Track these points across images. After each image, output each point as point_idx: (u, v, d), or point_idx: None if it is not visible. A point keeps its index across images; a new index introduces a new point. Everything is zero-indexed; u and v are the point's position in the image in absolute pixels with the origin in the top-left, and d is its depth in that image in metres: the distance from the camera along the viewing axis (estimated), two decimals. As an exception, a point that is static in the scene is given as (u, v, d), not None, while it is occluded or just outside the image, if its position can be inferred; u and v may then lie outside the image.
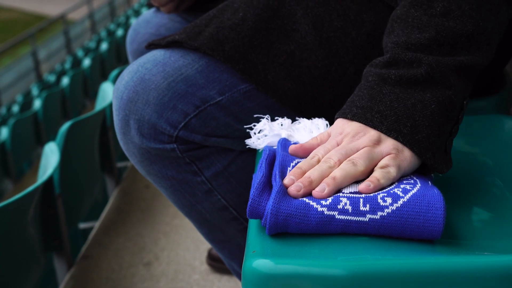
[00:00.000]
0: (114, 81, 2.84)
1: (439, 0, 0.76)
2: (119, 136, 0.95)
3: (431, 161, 0.70)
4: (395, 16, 0.80)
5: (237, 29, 0.90)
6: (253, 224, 0.69)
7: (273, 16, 0.92)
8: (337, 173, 0.68)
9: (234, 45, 0.89)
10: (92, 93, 7.13)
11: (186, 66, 0.91)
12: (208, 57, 0.91)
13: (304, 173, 0.70)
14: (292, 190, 0.67)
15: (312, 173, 0.69)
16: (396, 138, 0.71)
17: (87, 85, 7.13)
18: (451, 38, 0.75)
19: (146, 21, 1.38)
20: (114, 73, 3.02)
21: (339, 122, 0.76)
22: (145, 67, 0.91)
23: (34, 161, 5.65)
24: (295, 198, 0.66)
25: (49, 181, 1.73)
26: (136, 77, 0.90)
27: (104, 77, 7.44)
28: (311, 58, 0.91)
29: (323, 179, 0.68)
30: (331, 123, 0.79)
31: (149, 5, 1.33)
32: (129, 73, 0.92)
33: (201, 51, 0.90)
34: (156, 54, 0.93)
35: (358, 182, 0.70)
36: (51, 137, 5.64)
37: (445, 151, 0.72)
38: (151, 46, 0.96)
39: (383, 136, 0.72)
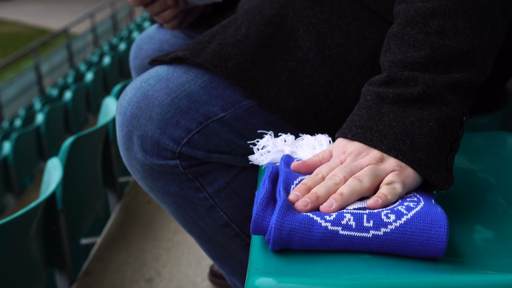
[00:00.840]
0: (116, 96, 2.85)
1: (434, 19, 0.77)
2: (122, 152, 0.95)
3: (431, 178, 0.70)
4: (391, 33, 0.81)
5: (239, 45, 0.91)
6: (255, 241, 0.69)
7: (275, 33, 0.92)
8: (344, 189, 0.68)
9: (236, 62, 0.90)
10: (94, 107, 7.14)
11: (189, 82, 0.91)
12: (211, 73, 0.92)
13: (309, 189, 0.70)
14: (299, 205, 0.67)
15: (319, 189, 0.69)
16: (396, 157, 0.71)
17: (90, 99, 7.15)
18: (446, 56, 0.75)
19: (149, 37, 1.38)
20: (116, 88, 3.03)
21: (340, 142, 0.77)
22: (148, 83, 0.91)
23: (36, 176, 5.64)
24: (301, 213, 0.66)
25: (52, 197, 1.73)
26: (139, 93, 0.91)
27: (106, 91, 7.46)
28: (313, 74, 0.91)
29: (329, 195, 0.68)
30: (333, 139, 0.80)
31: (152, 21, 1.34)
32: (132, 89, 0.92)
33: (204, 67, 0.91)
34: (159, 70, 0.93)
35: (362, 199, 0.70)
36: (53, 152, 5.64)
37: (446, 167, 0.72)
38: (154, 62, 0.96)
39: (385, 154, 0.72)
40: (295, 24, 0.93)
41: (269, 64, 0.91)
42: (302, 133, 0.88)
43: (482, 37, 0.77)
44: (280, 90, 0.90)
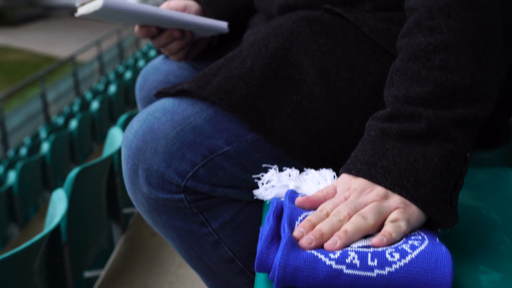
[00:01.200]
0: (122, 126, 2.85)
1: (436, 54, 0.78)
2: (127, 186, 0.95)
3: (436, 215, 0.70)
4: (395, 68, 0.81)
5: (245, 78, 0.91)
6: (260, 279, 0.68)
7: (280, 66, 0.93)
8: (348, 226, 0.68)
9: (242, 95, 0.90)
10: (100, 136, 7.15)
11: (194, 115, 0.91)
12: (216, 106, 0.92)
13: (313, 226, 0.70)
14: (303, 242, 0.67)
15: (323, 226, 0.69)
16: (400, 193, 0.71)
17: (95, 128, 7.16)
18: (449, 92, 0.76)
19: (155, 68, 1.39)
20: (122, 118, 3.03)
21: (345, 178, 0.76)
22: (154, 115, 0.92)
23: (40, 206, 5.62)
24: (306, 250, 0.66)
25: (56, 229, 1.73)
26: (145, 126, 0.91)
27: (112, 120, 7.48)
28: (317, 108, 0.91)
29: (334, 232, 0.68)
30: (338, 173, 0.80)
31: (159, 52, 1.35)
32: (138, 122, 0.93)
33: (209, 100, 0.91)
34: (165, 103, 0.93)
35: (366, 236, 0.69)
36: (58, 181, 5.64)
37: (450, 205, 0.72)
38: (160, 94, 0.97)
39: (389, 191, 0.72)
40: (300, 57, 0.94)
41: (274, 98, 0.91)
42: (307, 167, 0.88)
43: (484, 72, 0.77)
44: (285, 124, 0.90)
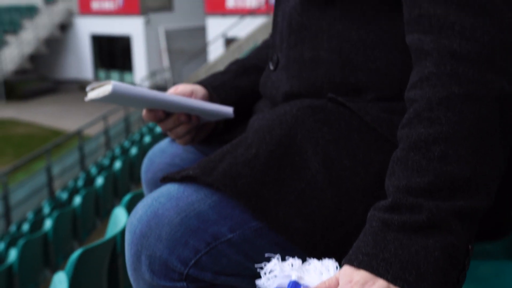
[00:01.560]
0: (126, 206, 2.84)
1: (436, 145, 0.79)
2: (129, 272, 0.95)
3: None
4: (395, 158, 0.82)
5: (249, 165, 0.92)
6: None
7: (284, 153, 0.94)
8: None
9: (246, 182, 0.91)
10: (103, 212, 7.12)
11: (199, 202, 0.92)
12: (221, 192, 0.93)
13: None
14: None
15: None
16: (402, 287, 0.71)
17: (99, 204, 7.14)
18: (449, 183, 0.76)
19: (161, 150, 1.40)
20: (127, 197, 3.03)
21: (347, 270, 0.77)
22: (159, 201, 0.93)
23: (40, 284, 5.53)
24: None
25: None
26: (149, 211, 0.92)
27: (116, 196, 7.47)
28: (321, 196, 0.92)
29: None
30: (340, 263, 0.80)
31: (165, 134, 1.36)
32: (143, 207, 0.93)
33: (214, 187, 0.92)
34: (170, 188, 0.94)
35: None
36: (60, 259, 5.58)
37: None
38: (166, 179, 0.98)
39: (391, 285, 0.72)
40: (304, 144, 0.95)
41: (279, 185, 0.92)
42: (310, 255, 0.88)
43: (484, 163, 0.78)
44: (288, 211, 0.91)
